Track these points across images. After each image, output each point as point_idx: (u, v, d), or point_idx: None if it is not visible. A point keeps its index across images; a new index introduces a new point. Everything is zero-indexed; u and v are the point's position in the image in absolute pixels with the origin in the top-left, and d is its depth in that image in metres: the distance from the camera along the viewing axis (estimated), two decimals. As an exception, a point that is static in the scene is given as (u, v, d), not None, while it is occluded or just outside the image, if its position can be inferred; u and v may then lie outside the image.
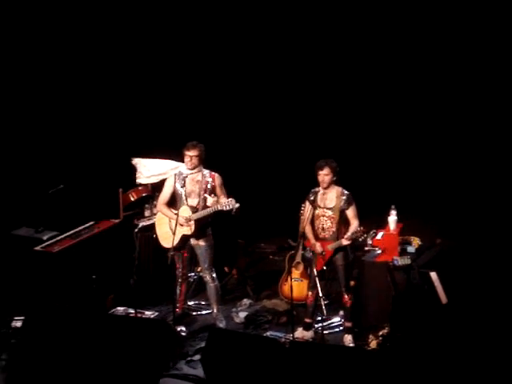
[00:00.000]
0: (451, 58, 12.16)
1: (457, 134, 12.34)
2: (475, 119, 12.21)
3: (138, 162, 10.18)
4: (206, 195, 8.73)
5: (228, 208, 8.52)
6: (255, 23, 12.62)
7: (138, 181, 10.13)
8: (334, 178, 8.49)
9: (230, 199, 8.56)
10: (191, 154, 8.74)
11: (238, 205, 8.54)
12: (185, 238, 8.81)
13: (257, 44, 12.73)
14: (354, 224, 8.50)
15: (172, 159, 9.97)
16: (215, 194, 8.76)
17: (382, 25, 12.33)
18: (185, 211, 8.72)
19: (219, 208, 8.56)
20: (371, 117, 12.86)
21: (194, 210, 8.75)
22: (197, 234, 8.81)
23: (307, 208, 8.64)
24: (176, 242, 8.72)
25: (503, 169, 11.85)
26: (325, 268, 8.53)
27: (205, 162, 8.87)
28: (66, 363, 6.97)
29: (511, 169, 11.73)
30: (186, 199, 8.79)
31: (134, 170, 10.18)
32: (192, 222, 8.69)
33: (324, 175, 8.46)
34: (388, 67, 12.56)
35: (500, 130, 11.98)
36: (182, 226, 8.69)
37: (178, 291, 9.03)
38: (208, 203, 8.65)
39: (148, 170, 10.10)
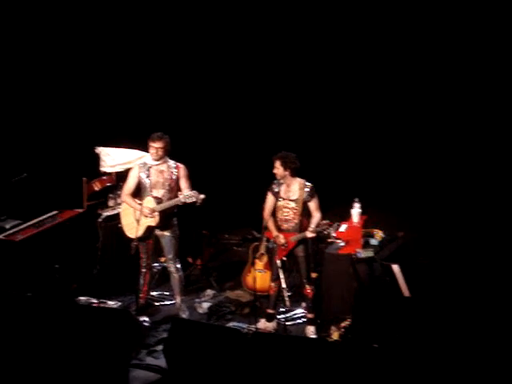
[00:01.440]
0: (428, 52, 12.23)
1: (418, 125, 12.40)
2: (436, 109, 12.28)
3: (102, 150, 10.13)
4: (186, 190, 8.71)
5: (192, 200, 8.52)
6: (225, 16, 12.63)
7: (102, 169, 10.09)
8: (286, 172, 8.52)
9: (193, 191, 8.56)
10: (157, 145, 8.72)
11: (202, 196, 8.54)
12: (149, 229, 8.79)
13: (222, 31, 12.73)
14: (317, 216, 8.56)
15: (137, 149, 9.95)
16: (179, 186, 8.76)
17: (365, 19, 12.36)
18: (149, 202, 8.70)
19: (183, 200, 8.55)
20: (335, 109, 12.89)
21: (159, 200, 8.73)
22: (162, 225, 8.80)
23: (269, 199, 8.67)
24: (140, 232, 8.70)
25: (464, 160, 11.93)
26: (285, 258, 8.56)
27: (170, 152, 8.86)
28: (28, 353, 6.93)
29: (473, 159, 11.82)
30: (151, 190, 8.77)
31: (97, 158, 10.13)
32: (156, 213, 8.67)
33: (275, 168, 8.50)
34: (358, 59, 12.58)
35: (463, 119, 12.05)
36: (146, 217, 8.67)
37: (141, 281, 9.01)
38: (181, 197, 8.61)
39: (112, 159, 10.06)
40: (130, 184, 8.88)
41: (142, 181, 8.81)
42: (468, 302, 8.56)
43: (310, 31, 12.53)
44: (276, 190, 8.62)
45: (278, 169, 8.50)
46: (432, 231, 10.88)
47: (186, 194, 8.55)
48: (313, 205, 8.59)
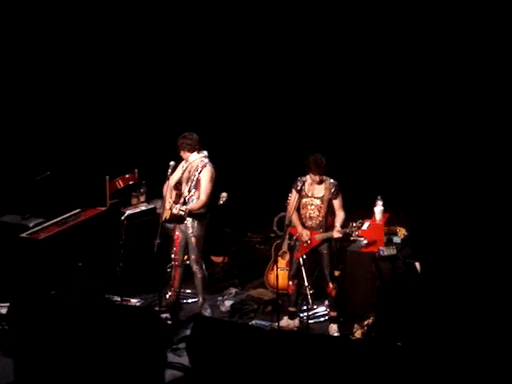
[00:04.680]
0: (427, 57, 12.21)
1: (439, 124, 12.35)
2: (460, 109, 12.22)
3: None
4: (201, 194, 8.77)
5: (181, 213, 8.65)
6: (241, 17, 12.64)
7: None
8: (321, 176, 8.55)
9: (184, 206, 8.66)
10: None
11: (225, 194, 8.56)
12: (177, 218, 8.82)
13: (246, 37, 12.74)
14: (341, 215, 8.55)
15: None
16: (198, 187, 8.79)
17: (365, 19, 12.35)
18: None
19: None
20: (358, 108, 12.86)
21: (179, 194, 8.82)
22: (188, 223, 8.84)
23: (293, 196, 8.67)
24: (167, 216, 8.81)
25: (488, 162, 11.86)
26: (305, 256, 8.54)
27: (195, 150, 8.87)
28: (54, 352, 6.94)
29: (496, 161, 11.75)
30: (181, 184, 8.87)
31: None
32: (183, 208, 8.70)
33: (319, 177, 8.50)
34: (374, 60, 12.56)
35: (487, 124, 12.00)
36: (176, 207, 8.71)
37: (171, 277, 9.08)
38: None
39: None
40: (173, 178, 8.96)
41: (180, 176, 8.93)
42: (491, 299, 8.51)
43: (334, 31, 12.53)
44: (300, 187, 8.61)
45: (321, 174, 8.50)
46: (456, 228, 10.81)
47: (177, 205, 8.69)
48: (337, 203, 8.58)
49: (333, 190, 8.55)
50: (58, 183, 10.66)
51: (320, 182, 8.54)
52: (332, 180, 8.60)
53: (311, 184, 8.57)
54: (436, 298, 8.29)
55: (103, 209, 9.93)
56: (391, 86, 12.55)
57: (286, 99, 13.03)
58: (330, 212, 8.61)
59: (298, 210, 8.66)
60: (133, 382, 6.66)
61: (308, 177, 8.59)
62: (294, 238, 8.71)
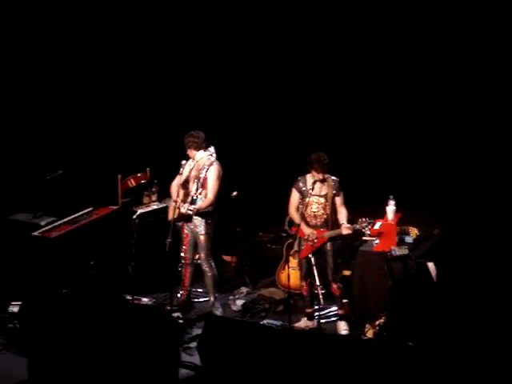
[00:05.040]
0: (443, 52, 12.18)
1: (455, 123, 12.33)
2: (474, 109, 12.20)
3: None
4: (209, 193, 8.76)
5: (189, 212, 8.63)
6: (246, 18, 12.66)
7: None
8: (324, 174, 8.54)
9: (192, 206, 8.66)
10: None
11: (234, 193, 8.56)
12: (185, 216, 8.82)
13: (253, 38, 12.75)
14: (343, 211, 8.56)
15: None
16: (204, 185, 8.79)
17: (368, 18, 12.34)
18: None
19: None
20: (370, 106, 12.85)
21: (187, 193, 8.83)
22: (196, 221, 8.83)
23: (294, 196, 8.65)
24: (175, 215, 8.77)
25: (502, 161, 11.84)
26: (310, 256, 8.52)
27: (202, 148, 8.87)
28: (66, 351, 6.95)
29: (509, 161, 11.73)
30: (188, 183, 8.87)
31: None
32: (192, 208, 8.69)
33: (323, 175, 8.48)
34: (385, 59, 12.55)
35: (497, 121, 11.97)
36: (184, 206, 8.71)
37: (182, 276, 9.10)
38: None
39: None
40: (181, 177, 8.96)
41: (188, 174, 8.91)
42: (504, 300, 8.48)
43: (339, 31, 12.53)
44: (303, 186, 8.59)
45: (325, 172, 8.49)
46: (469, 229, 10.77)
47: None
48: (339, 199, 8.58)
49: (336, 187, 8.55)
50: (70, 182, 10.67)
51: (323, 180, 8.52)
52: (334, 177, 8.59)
53: (314, 182, 8.53)
54: (453, 298, 8.26)
55: (115, 208, 9.95)
56: (404, 84, 12.54)
57: (299, 98, 13.03)
58: (333, 210, 8.59)
59: (298, 209, 8.64)
60: (146, 380, 6.66)
61: (309, 176, 8.57)
62: (298, 237, 8.67)
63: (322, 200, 8.55)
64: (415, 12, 12.07)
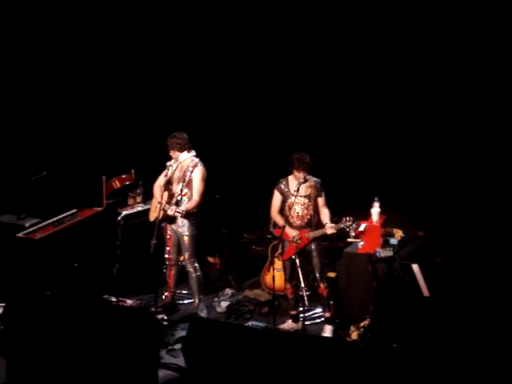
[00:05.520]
0: (431, 54, 12.22)
1: (438, 126, 12.38)
2: (457, 110, 12.25)
3: None
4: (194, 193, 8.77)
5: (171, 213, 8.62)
6: (233, 19, 12.66)
7: None
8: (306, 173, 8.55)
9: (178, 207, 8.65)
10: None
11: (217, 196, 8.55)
12: (168, 218, 8.81)
13: (238, 39, 12.77)
14: (326, 211, 8.59)
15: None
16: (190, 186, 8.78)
17: (362, 17, 12.37)
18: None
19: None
20: (354, 109, 12.88)
21: (171, 195, 8.82)
22: (180, 222, 8.82)
23: (276, 197, 8.66)
24: (160, 216, 8.74)
25: (486, 161, 11.89)
26: (293, 257, 8.51)
27: (185, 149, 8.86)
28: (48, 352, 6.93)
29: (494, 161, 11.77)
30: (172, 184, 8.88)
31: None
32: (180, 210, 8.68)
33: (304, 173, 8.49)
34: (369, 61, 12.58)
35: (482, 123, 12.02)
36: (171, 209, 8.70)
37: (166, 277, 9.10)
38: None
39: None
40: (161, 178, 8.95)
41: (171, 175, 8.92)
42: (487, 301, 8.51)
43: (329, 31, 12.54)
44: (285, 188, 8.60)
45: (306, 172, 8.49)
46: (451, 231, 10.82)
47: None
48: (322, 200, 8.61)
49: (318, 187, 8.56)
50: (55, 183, 10.63)
51: (304, 181, 8.53)
52: (315, 178, 8.61)
53: (297, 184, 8.53)
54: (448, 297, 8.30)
55: (99, 209, 9.92)
56: (389, 86, 12.57)
57: (284, 101, 13.05)
58: (316, 210, 8.60)
59: (282, 210, 8.64)
60: (126, 382, 6.64)
61: (290, 177, 8.59)
62: (282, 239, 8.66)
63: (306, 200, 8.57)
64: (410, 12, 12.07)
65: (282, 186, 8.64)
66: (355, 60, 12.66)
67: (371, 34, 12.40)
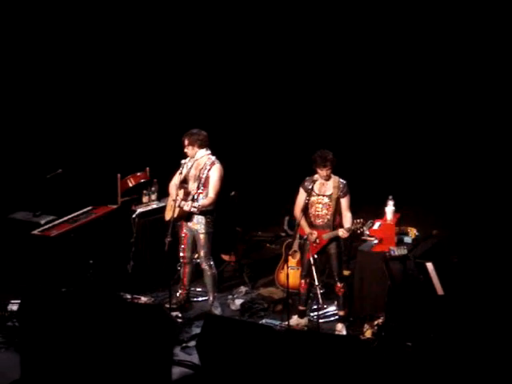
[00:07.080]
0: (442, 51, 12.20)
1: (453, 124, 12.35)
2: (473, 108, 12.22)
3: None
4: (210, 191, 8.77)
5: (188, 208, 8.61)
6: (248, 17, 12.68)
7: None
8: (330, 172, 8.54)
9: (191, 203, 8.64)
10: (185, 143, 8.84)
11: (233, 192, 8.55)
12: (184, 215, 8.82)
13: (254, 37, 12.77)
14: (348, 215, 8.54)
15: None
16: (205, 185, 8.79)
17: (371, 17, 12.37)
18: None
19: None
20: (368, 107, 12.87)
21: (187, 192, 8.81)
22: (196, 220, 8.84)
23: (301, 195, 8.66)
24: (175, 214, 8.74)
25: (501, 161, 11.86)
26: (316, 256, 8.52)
27: (204, 146, 8.87)
28: (63, 349, 6.95)
29: (508, 160, 11.74)
30: (187, 182, 8.86)
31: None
32: (196, 205, 8.69)
33: (326, 171, 8.48)
34: (383, 59, 12.57)
35: (496, 122, 11.99)
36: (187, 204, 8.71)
37: (180, 275, 9.13)
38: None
39: None
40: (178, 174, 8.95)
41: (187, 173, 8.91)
42: (502, 301, 8.49)
43: (344, 30, 12.54)
44: (309, 186, 8.59)
45: (329, 170, 8.49)
46: (466, 229, 10.79)
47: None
48: (345, 202, 8.56)
49: (342, 188, 8.54)
50: (70, 181, 10.67)
51: (328, 178, 8.52)
52: (341, 179, 8.59)
53: (321, 183, 8.54)
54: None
55: (114, 207, 9.94)
56: (405, 85, 12.56)
57: (299, 99, 13.05)
58: (338, 212, 8.59)
59: (305, 209, 8.64)
60: (140, 379, 6.66)
61: (317, 176, 8.58)
62: (304, 238, 8.69)
63: (327, 200, 8.55)
64: (417, 12, 12.08)
65: (307, 184, 8.63)
66: (371, 60, 12.65)
67: (390, 37, 12.41)
